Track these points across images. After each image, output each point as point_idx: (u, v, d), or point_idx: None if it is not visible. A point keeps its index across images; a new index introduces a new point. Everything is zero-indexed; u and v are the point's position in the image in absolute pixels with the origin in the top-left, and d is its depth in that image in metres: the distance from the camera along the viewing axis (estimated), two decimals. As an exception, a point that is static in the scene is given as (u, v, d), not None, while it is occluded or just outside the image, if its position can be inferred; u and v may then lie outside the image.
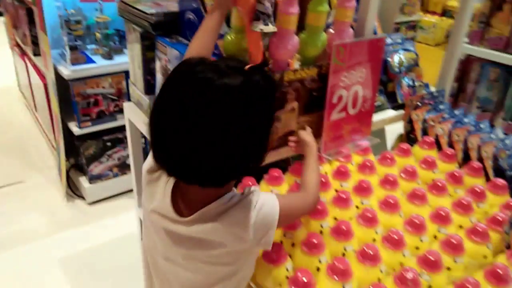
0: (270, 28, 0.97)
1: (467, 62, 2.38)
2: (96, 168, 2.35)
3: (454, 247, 0.91)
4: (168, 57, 1.13)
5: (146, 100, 1.30)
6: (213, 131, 0.63)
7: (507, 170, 1.18)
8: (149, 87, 1.29)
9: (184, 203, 0.76)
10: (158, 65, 1.20)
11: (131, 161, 1.51)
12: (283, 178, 1.14)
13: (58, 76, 2.14)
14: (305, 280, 0.81)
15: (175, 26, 1.21)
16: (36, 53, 2.63)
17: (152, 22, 1.18)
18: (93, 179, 2.37)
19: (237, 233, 0.72)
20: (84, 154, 2.30)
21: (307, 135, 1.07)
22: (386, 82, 1.46)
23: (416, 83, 1.49)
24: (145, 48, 1.25)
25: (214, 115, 0.62)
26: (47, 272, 1.97)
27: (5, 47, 3.59)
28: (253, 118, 0.65)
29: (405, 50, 1.49)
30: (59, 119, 2.21)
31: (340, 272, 0.84)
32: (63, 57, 2.20)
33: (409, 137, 1.46)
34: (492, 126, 1.39)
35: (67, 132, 2.27)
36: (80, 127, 2.21)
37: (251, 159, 0.70)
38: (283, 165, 1.24)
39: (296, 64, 1.18)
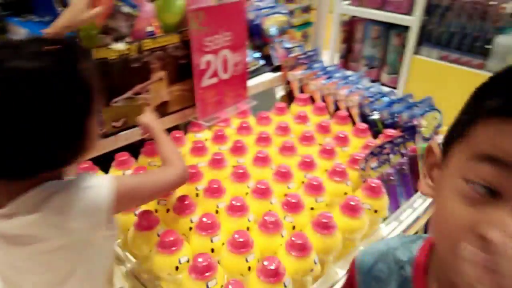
0: None
1: (352, 23, 2.52)
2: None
3: (314, 188, 0.98)
4: (17, 37, 1.06)
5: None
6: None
7: (369, 115, 1.28)
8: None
9: (6, 195, 0.65)
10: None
11: None
12: (131, 161, 1.11)
13: None
14: (172, 239, 0.83)
15: (26, 5, 1.14)
16: None
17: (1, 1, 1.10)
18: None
19: (58, 224, 0.64)
20: None
21: (144, 117, 1.01)
22: (261, 46, 1.51)
23: (291, 45, 1.55)
24: (-3, 32, 1.17)
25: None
26: None
27: None
28: (44, 105, 0.59)
29: (277, 13, 1.54)
30: None
31: (208, 227, 0.87)
32: None
33: (290, 97, 1.53)
34: (361, 77, 1.50)
35: None
36: None
37: (57, 148, 0.63)
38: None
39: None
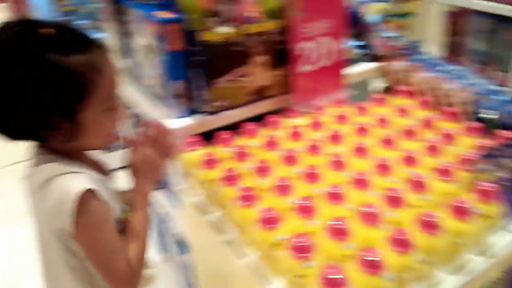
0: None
1: (459, 15, 2.34)
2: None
3: (419, 185, 0.92)
4: (134, 18, 1.14)
5: (122, 64, 1.31)
6: None
7: (480, 114, 1.18)
8: (124, 51, 1.30)
9: None
10: (128, 27, 1.21)
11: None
12: (232, 140, 1.12)
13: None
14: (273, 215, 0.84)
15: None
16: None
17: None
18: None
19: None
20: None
21: (135, 155, 0.87)
22: (360, 34, 1.45)
23: (392, 34, 1.48)
24: (116, 12, 1.26)
25: None
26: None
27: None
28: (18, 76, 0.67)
29: (379, 1, 1.47)
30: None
31: (306, 210, 0.86)
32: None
33: (391, 89, 1.46)
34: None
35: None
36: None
37: (35, 118, 0.71)
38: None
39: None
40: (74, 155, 0.79)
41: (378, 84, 1.52)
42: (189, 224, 1.25)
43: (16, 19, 0.71)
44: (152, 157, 0.86)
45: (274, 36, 1.15)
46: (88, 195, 0.72)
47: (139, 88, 1.26)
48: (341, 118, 1.21)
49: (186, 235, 1.34)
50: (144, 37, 1.15)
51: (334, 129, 1.13)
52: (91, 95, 0.72)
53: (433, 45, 2.43)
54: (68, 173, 0.74)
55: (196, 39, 1.05)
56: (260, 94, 1.21)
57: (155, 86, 1.15)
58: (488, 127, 1.17)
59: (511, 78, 2.11)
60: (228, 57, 1.11)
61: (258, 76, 1.17)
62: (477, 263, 0.90)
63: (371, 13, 1.47)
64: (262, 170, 0.99)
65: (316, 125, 1.17)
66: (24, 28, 0.68)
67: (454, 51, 2.40)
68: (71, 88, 0.70)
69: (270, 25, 1.13)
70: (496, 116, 1.15)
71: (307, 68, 1.22)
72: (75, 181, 0.73)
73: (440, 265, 0.86)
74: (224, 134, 1.10)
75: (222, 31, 1.07)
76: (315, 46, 1.20)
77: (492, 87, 1.28)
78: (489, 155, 0.95)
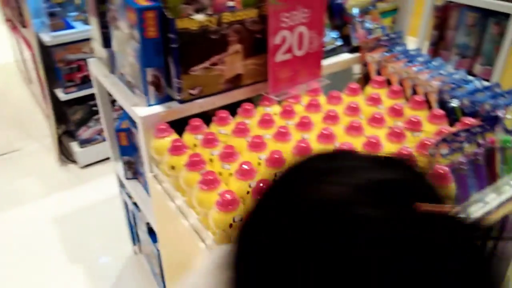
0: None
1: (446, 9, 2.36)
2: (85, 133, 2.46)
3: (376, 168, 0.96)
4: (114, 6, 1.18)
5: (104, 53, 1.36)
6: None
7: (448, 102, 1.21)
8: (105, 40, 1.35)
9: None
10: (109, 16, 1.25)
11: (102, 120, 1.58)
12: (203, 127, 1.17)
13: (42, 45, 2.21)
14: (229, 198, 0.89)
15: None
16: (24, 25, 2.70)
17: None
18: (83, 143, 2.48)
19: None
20: (73, 119, 2.40)
21: None
22: (341, 26, 1.49)
23: (372, 26, 1.51)
24: (98, 1, 1.30)
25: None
26: (43, 231, 2.10)
27: (1, 25, 3.68)
28: None
29: (360, -7, 1.50)
30: (46, 86, 2.30)
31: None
32: (44, 25, 2.27)
33: (366, 79, 1.49)
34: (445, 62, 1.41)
35: (55, 99, 2.37)
36: (65, 93, 2.30)
37: None
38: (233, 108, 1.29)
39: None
40: None
41: (358, 74, 1.56)
42: (156, 212, 1.30)
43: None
44: None
45: (251, 25, 1.19)
46: None
47: (118, 77, 1.31)
48: (313, 107, 1.25)
49: (155, 223, 1.39)
50: (123, 25, 1.19)
51: (304, 117, 1.17)
52: None
53: (421, 38, 2.46)
54: None
55: (172, 26, 1.09)
56: (235, 82, 1.25)
57: (130, 74, 1.20)
58: (454, 114, 1.21)
59: (497, 72, 2.13)
60: (204, 45, 1.15)
61: (234, 64, 1.22)
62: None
63: (353, 4, 1.50)
64: (227, 155, 1.04)
65: (287, 113, 1.22)
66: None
67: (441, 44, 2.42)
68: None
69: (247, 14, 1.16)
70: (460, 104, 1.18)
71: (284, 57, 1.25)
72: None
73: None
74: (195, 122, 1.15)
75: (199, 19, 1.11)
76: (292, 36, 1.24)
77: (463, 78, 1.31)
78: (445, 140, 0.99)
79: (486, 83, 1.30)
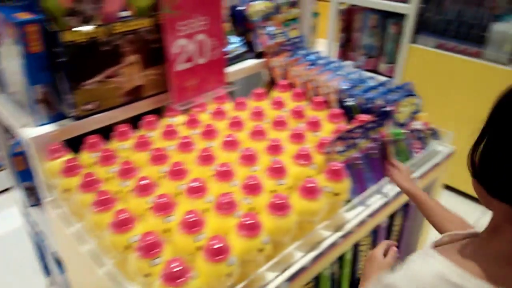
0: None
1: (350, 12, 2.48)
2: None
3: (276, 171, 0.98)
4: (-6, 22, 1.09)
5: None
6: None
7: (345, 101, 1.27)
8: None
9: None
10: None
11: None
12: (101, 144, 1.12)
13: None
14: (125, 217, 0.85)
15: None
16: None
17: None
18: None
19: None
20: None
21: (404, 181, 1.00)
22: (244, 32, 1.50)
23: (275, 31, 1.54)
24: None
25: None
26: None
27: None
28: None
29: (263, 0, 1.53)
30: None
31: (163, 207, 0.88)
32: None
33: (272, 84, 1.52)
34: (345, 61, 1.48)
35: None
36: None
37: None
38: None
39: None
40: None
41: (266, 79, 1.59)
42: (58, 239, 1.22)
43: None
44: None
45: (146, 34, 1.15)
46: None
47: (8, 97, 1.21)
48: (218, 114, 1.24)
49: (59, 251, 1.30)
50: (8, 41, 1.11)
51: (209, 125, 1.16)
52: None
53: (330, 41, 2.57)
54: None
55: (57, 40, 1.03)
56: (136, 94, 1.21)
57: (18, 93, 1.11)
58: (351, 112, 1.26)
59: (399, 69, 2.28)
60: (96, 58, 1.09)
61: (132, 76, 1.17)
62: (329, 238, 0.97)
63: (255, 10, 1.52)
64: (126, 172, 1.00)
65: (192, 123, 1.20)
66: None
67: (349, 46, 2.55)
68: None
69: (141, 23, 1.13)
70: (356, 103, 1.24)
71: (185, 66, 1.24)
72: None
73: (293, 243, 0.92)
74: (91, 139, 1.09)
75: (86, 31, 1.05)
76: (191, 44, 1.22)
77: (359, 77, 1.38)
78: (340, 137, 1.03)
79: (381, 80, 1.38)
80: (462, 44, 1.99)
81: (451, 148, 1.25)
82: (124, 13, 1.16)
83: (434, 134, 1.23)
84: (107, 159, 1.04)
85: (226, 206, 0.88)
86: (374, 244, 1.32)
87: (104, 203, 0.90)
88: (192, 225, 0.83)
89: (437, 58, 2.08)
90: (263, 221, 0.87)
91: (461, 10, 1.96)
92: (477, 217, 1.78)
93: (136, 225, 0.86)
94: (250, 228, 0.82)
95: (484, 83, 1.86)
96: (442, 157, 1.22)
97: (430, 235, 1.45)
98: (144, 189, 0.94)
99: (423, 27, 2.11)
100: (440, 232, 0.79)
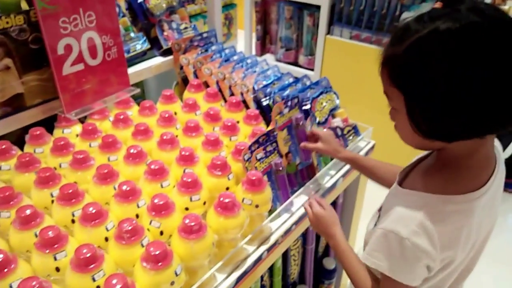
0: None
1: (265, 3, 2.42)
2: None
3: (188, 185, 0.86)
4: None
5: None
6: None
7: (263, 100, 1.18)
8: None
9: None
10: None
11: None
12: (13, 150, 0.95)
13: None
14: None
15: None
16: None
17: None
18: None
19: None
20: None
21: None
22: (147, 28, 1.35)
23: (182, 26, 1.41)
24: None
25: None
26: None
27: None
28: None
29: (165, -9, 1.39)
30: None
31: (50, 242, 0.73)
32: None
33: (185, 83, 1.39)
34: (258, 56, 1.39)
35: None
36: None
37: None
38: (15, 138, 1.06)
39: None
40: None
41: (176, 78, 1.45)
42: None
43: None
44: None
45: (19, 34, 0.96)
46: None
47: None
48: (121, 122, 1.09)
49: None
50: None
51: (109, 136, 1.00)
52: None
53: (247, 34, 2.49)
54: None
55: None
56: (15, 104, 1.01)
57: None
58: (269, 112, 1.18)
59: (318, 60, 2.26)
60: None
61: (8, 83, 0.98)
62: (254, 253, 0.88)
63: (157, 3, 1.37)
64: (5, 200, 0.82)
65: (88, 133, 1.03)
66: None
67: (267, 38, 2.49)
68: None
69: (10, 21, 0.94)
70: (273, 101, 1.16)
71: (74, 68, 1.06)
72: None
73: (213, 265, 0.81)
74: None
75: None
76: (79, 43, 1.05)
77: (275, 73, 1.30)
78: (258, 141, 0.94)
79: (298, 77, 1.31)
80: (375, 34, 2.01)
81: (372, 142, 1.23)
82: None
83: (354, 130, 1.19)
84: (-21, 186, 0.85)
85: (129, 234, 0.74)
86: (304, 246, 1.27)
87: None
88: (88, 262, 0.69)
89: (353, 49, 2.09)
90: (174, 247, 0.76)
91: (372, 1, 1.97)
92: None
93: (18, 266, 0.70)
94: (159, 259, 0.69)
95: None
96: (364, 153, 1.19)
97: (360, 230, 1.43)
98: (27, 221, 0.77)
99: (338, 18, 2.11)
100: (389, 184, 0.81)
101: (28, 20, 0.95)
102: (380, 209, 0.76)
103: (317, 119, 1.11)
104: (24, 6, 1.04)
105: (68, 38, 1.01)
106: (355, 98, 2.04)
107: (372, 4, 1.98)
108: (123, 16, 1.30)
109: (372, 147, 1.23)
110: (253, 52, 2.54)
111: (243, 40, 2.54)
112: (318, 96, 1.15)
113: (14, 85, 0.98)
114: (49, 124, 1.08)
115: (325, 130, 1.06)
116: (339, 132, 1.14)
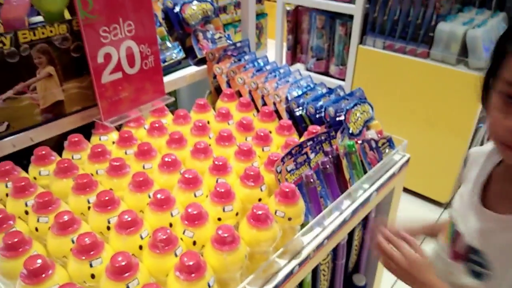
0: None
1: (297, 13, 2.42)
2: None
3: (221, 196, 0.86)
4: None
5: None
6: None
7: (296, 111, 1.18)
8: None
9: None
10: None
11: None
12: (15, 171, 0.95)
13: None
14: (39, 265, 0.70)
15: None
16: None
17: None
18: None
19: None
20: None
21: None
22: (183, 37, 1.37)
23: (216, 35, 1.42)
24: None
25: None
26: None
27: None
28: None
29: (200, 1, 1.41)
30: None
31: (86, 249, 0.74)
32: None
33: (219, 92, 1.40)
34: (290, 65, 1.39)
35: None
36: None
37: None
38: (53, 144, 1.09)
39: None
40: None
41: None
42: None
43: None
44: None
45: (61, 43, 0.99)
46: None
47: None
48: (156, 130, 1.11)
49: None
50: None
51: (144, 143, 1.02)
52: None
53: (278, 43, 2.49)
54: None
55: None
56: (56, 111, 1.05)
57: None
58: (304, 123, 1.17)
59: (349, 71, 2.24)
60: (1, 71, 0.92)
61: (49, 90, 1.01)
62: (286, 267, 0.87)
63: (192, 13, 1.39)
64: (43, 206, 0.84)
65: (124, 141, 1.05)
66: None
67: (298, 48, 2.48)
68: None
69: (54, 30, 0.97)
70: (306, 112, 1.15)
71: (113, 77, 1.09)
72: None
73: (244, 278, 0.81)
74: (2, 166, 0.92)
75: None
76: (118, 52, 1.08)
77: (309, 83, 1.29)
78: (290, 153, 0.93)
79: (331, 87, 1.30)
80: (409, 44, 1.97)
81: (407, 156, 1.19)
82: (36, 19, 1.00)
83: (389, 142, 1.17)
84: (21, 190, 0.88)
85: (163, 243, 0.75)
86: (334, 261, 1.24)
87: (14, 247, 0.74)
88: (123, 270, 0.70)
89: (386, 59, 2.05)
90: (207, 258, 0.76)
91: (406, 10, 1.94)
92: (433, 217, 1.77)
93: (56, 271, 0.71)
94: (192, 270, 0.69)
95: (432, 84, 1.86)
96: (399, 167, 1.16)
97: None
98: (65, 227, 0.79)
99: (371, 28, 2.08)
100: None
101: (71, 29, 0.98)
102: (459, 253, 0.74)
103: (351, 130, 1.09)
104: (67, 15, 1.08)
105: (108, 47, 1.03)
106: (387, 109, 2.00)
107: (406, 14, 1.94)
108: (160, 25, 1.32)
109: (407, 161, 1.20)
110: (284, 62, 2.54)
111: (273, 49, 2.54)
112: (352, 107, 1.13)
113: (55, 92, 1.01)
114: (85, 131, 1.11)
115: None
116: (374, 145, 1.12)
